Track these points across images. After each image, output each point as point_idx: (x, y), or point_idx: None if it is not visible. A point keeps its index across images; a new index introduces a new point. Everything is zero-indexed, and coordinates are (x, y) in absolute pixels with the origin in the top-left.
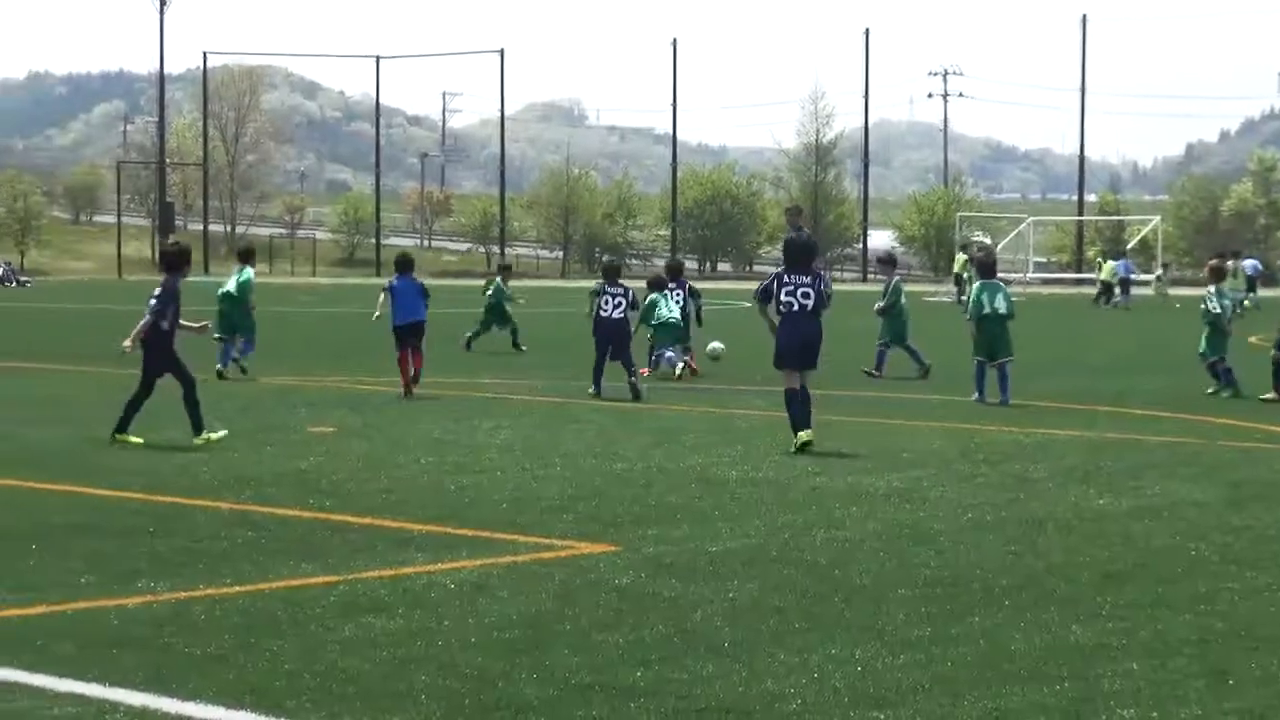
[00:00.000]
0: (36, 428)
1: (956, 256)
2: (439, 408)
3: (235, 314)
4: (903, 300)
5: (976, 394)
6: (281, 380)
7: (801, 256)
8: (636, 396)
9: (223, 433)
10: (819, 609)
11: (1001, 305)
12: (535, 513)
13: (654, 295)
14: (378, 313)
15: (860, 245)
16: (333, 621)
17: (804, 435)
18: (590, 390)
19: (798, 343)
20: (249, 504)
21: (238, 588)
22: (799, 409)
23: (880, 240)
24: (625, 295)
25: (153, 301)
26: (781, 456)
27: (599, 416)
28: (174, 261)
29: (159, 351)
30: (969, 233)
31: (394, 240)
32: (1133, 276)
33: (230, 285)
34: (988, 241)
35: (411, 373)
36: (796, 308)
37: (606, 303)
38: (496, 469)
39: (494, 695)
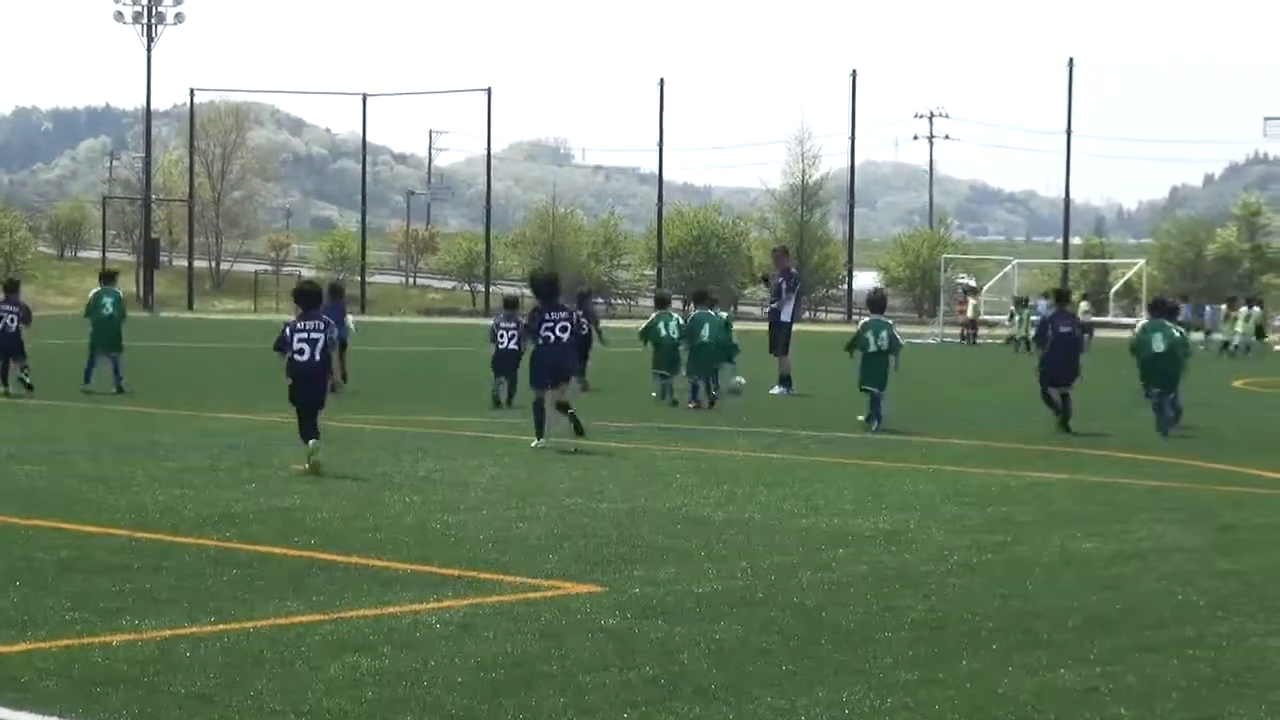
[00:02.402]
0: (22, 463)
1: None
2: (424, 446)
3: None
4: (704, 335)
5: (876, 422)
6: (266, 417)
7: (553, 293)
8: (497, 405)
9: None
10: (806, 651)
11: (885, 342)
12: (521, 552)
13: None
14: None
15: (845, 286)
16: (318, 661)
17: (539, 443)
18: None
19: (550, 365)
20: (234, 542)
21: (223, 626)
22: (543, 417)
23: (865, 281)
24: (518, 327)
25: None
26: (768, 498)
27: (583, 456)
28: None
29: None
30: (954, 274)
31: (379, 278)
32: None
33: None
34: (973, 283)
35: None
36: (553, 339)
37: (503, 335)
38: (481, 508)
39: None
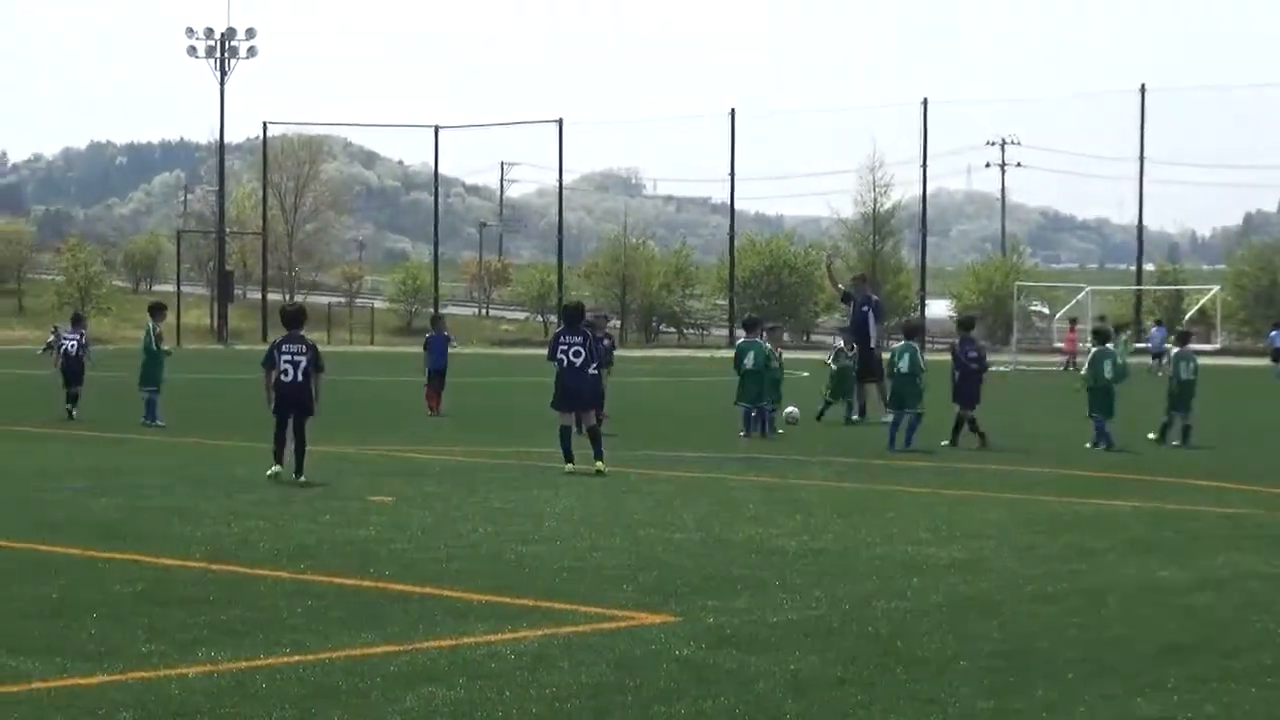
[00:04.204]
0: (99, 496)
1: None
2: (497, 477)
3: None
4: (748, 363)
5: (905, 443)
6: (340, 449)
7: (573, 320)
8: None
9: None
10: (881, 681)
11: (905, 365)
12: (595, 582)
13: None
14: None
15: (918, 315)
16: (394, 692)
17: (569, 467)
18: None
19: (569, 389)
20: (309, 573)
21: (298, 657)
22: (569, 443)
23: (938, 309)
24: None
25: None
26: (842, 527)
27: (657, 486)
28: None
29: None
30: (1027, 302)
31: (452, 309)
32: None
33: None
34: (1046, 311)
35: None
36: (566, 363)
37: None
38: (556, 538)
39: None
